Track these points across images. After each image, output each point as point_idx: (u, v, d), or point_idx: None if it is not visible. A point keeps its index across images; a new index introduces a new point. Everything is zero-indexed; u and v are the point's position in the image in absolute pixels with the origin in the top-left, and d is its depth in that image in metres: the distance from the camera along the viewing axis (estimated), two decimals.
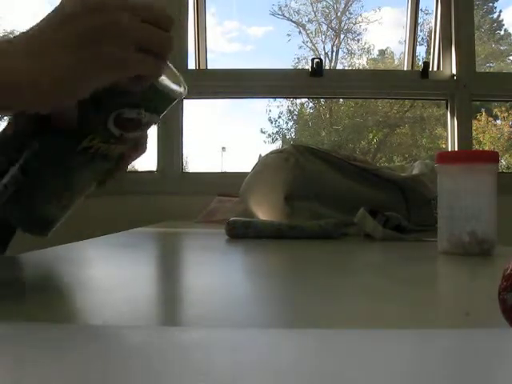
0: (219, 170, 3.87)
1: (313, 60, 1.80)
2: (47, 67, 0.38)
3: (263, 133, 4.91)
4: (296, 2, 4.06)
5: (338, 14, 4.54)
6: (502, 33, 4.50)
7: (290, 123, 5.04)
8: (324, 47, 4.44)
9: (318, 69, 1.77)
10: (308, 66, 1.83)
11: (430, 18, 2.02)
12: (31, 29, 0.39)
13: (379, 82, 1.82)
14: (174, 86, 0.47)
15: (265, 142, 4.91)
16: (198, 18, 1.89)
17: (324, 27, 4.53)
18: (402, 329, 0.26)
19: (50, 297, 0.36)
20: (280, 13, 4.14)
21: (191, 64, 1.84)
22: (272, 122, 4.82)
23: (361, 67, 4.84)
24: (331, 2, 4.33)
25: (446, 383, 0.17)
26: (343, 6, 4.51)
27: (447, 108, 1.82)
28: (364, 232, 0.85)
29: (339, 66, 4.75)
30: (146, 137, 0.52)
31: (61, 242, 0.62)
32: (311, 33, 4.43)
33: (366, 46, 4.75)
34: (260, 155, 1.19)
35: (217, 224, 1.12)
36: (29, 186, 0.45)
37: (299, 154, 1.03)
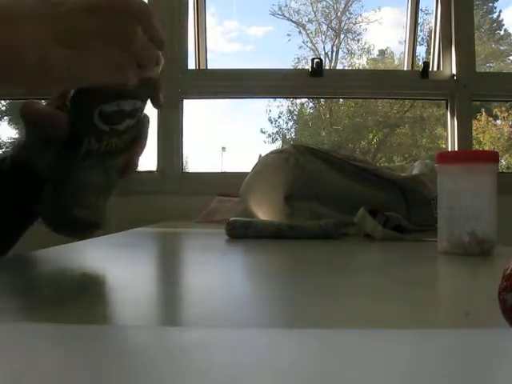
0: (219, 170, 3.88)
1: (313, 60, 1.80)
2: (44, 49, 0.39)
3: (263, 133, 4.91)
4: (296, 2, 4.07)
5: (338, 14, 4.55)
6: (502, 33, 4.51)
7: (290, 123, 5.04)
8: (324, 47, 4.44)
9: (317, 69, 1.77)
10: (308, 66, 1.83)
11: (430, 18, 2.02)
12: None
13: (379, 82, 1.82)
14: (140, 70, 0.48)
15: (265, 142, 4.91)
16: (197, 18, 1.89)
17: (324, 27, 4.54)
18: (401, 329, 0.26)
19: (49, 297, 0.36)
20: (280, 13, 4.14)
21: (191, 64, 1.84)
22: (272, 122, 4.82)
23: (361, 67, 4.85)
24: (331, 2, 4.33)
25: (445, 383, 0.17)
26: (343, 5, 4.52)
27: (447, 108, 1.82)
28: (364, 232, 0.85)
29: (339, 66, 4.76)
30: (145, 125, 0.53)
31: (61, 242, 0.62)
32: (311, 33, 4.43)
33: (366, 46, 4.76)
34: (260, 155, 1.19)
35: (217, 224, 1.12)
36: (56, 196, 0.50)
37: (299, 153, 1.03)
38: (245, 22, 5.56)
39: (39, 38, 0.38)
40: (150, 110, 0.53)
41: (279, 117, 4.85)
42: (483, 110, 3.96)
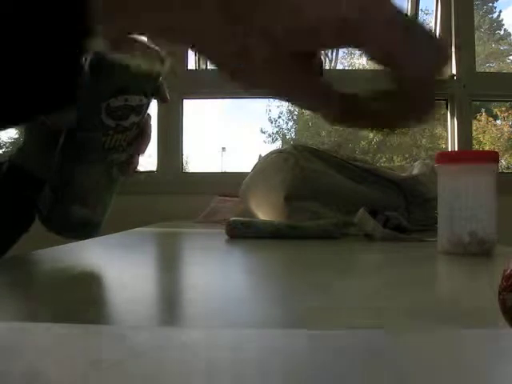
0: (219, 170, 3.87)
1: None
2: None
3: (263, 133, 4.91)
4: None
5: None
6: (502, 33, 4.51)
7: (290, 123, 5.04)
8: None
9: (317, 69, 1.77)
10: None
11: (430, 18, 2.02)
12: None
13: (379, 82, 1.81)
14: (152, 65, 0.48)
15: (265, 142, 4.91)
16: None
17: None
18: (401, 329, 0.26)
19: (49, 297, 0.36)
20: None
21: (191, 64, 1.84)
22: (272, 122, 4.83)
23: (361, 67, 4.84)
24: None
25: (445, 383, 0.17)
26: None
27: (447, 108, 1.82)
28: (364, 232, 0.85)
29: (339, 66, 4.75)
30: (148, 123, 0.53)
31: (61, 242, 0.62)
32: None
33: None
34: (260, 155, 1.19)
35: (217, 224, 1.12)
36: (57, 196, 0.51)
37: (299, 154, 1.03)
38: None
39: None
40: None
41: (279, 117, 4.85)
42: (483, 110, 3.96)
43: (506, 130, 4.07)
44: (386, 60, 0.26)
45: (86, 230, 0.54)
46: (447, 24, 1.79)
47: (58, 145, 0.51)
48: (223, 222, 0.90)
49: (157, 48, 0.48)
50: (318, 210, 0.97)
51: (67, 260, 0.59)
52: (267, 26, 0.24)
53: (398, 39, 0.25)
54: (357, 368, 0.18)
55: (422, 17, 2.56)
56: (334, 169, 1.03)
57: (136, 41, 0.47)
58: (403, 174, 1.08)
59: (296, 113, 5.01)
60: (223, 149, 4.78)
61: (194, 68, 1.86)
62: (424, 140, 4.60)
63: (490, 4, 4.52)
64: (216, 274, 0.50)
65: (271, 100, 3.88)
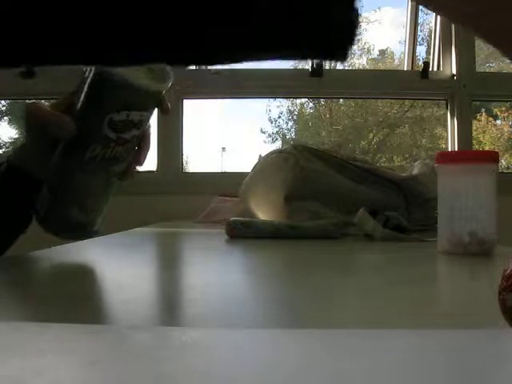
0: (219, 170, 3.87)
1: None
2: None
3: (263, 133, 4.92)
4: None
5: None
6: None
7: (290, 123, 5.04)
8: None
9: (317, 69, 1.77)
10: (308, 66, 1.83)
11: (430, 18, 2.02)
12: None
13: (379, 82, 1.82)
14: (156, 82, 0.49)
15: (265, 142, 4.91)
16: None
17: None
18: (402, 329, 0.26)
19: (48, 296, 0.36)
20: None
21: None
22: (272, 122, 4.83)
23: (361, 67, 4.84)
24: None
25: (445, 383, 0.17)
26: None
27: (447, 108, 1.82)
28: (364, 232, 0.85)
29: (339, 66, 4.75)
30: (148, 133, 0.54)
31: (61, 241, 0.62)
32: None
33: (366, 46, 4.75)
34: (260, 155, 1.19)
35: (217, 224, 1.12)
36: (55, 199, 0.52)
37: (299, 153, 1.03)
38: None
39: None
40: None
41: (279, 117, 4.85)
42: (483, 110, 3.96)
43: (506, 130, 4.06)
44: None
45: (83, 231, 0.55)
46: (447, 24, 1.79)
47: (58, 148, 0.52)
48: (223, 222, 0.90)
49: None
50: (318, 210, 0.97)
51: (67, 260, 0.59)
52: None
53: None
54: (357, 368, 0.18)
55: (422, 17, 2.56)
56: (334, 169, 1.03)
57: None
58: (403, 174, 1.08)
59: (296, 113, 5.01)
60: (223, 149, 4.78)
61: (193, 68, 1.86)
62: (424, 140, 4.60)
63: None
64: (216, 274, 0.50)
65: (271, 100, 3.88)
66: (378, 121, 4.48)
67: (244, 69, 1.87)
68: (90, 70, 0.48)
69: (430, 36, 2.02)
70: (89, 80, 0.48)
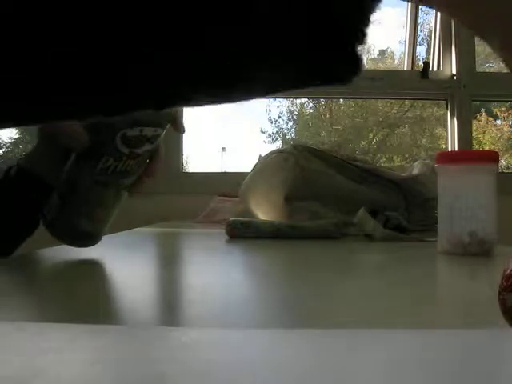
0: (219, 170, 3.87)
1: None
2: None
3: (263, 133, 4.91)
4: None
5: None
6: None
7: (290, 123, 5.04)
8: None
9: None
10: None
11: (430, 18, 2.02)
12: None
13: (379, 82, 1.82)
14: None
15: (265, 142, 4.91)
16: None
17: None
18: (402, 329, 0.26)
19: (49, 296, 0.36)
20: None
21: None
22: (272, 122, 4.82)
23: None
24: None
25: (446, 383, 0.17)
26: None
27: (447, 108, 1.82)
28: (364, 232, 0.85)
29: None
30: (160, 148, 0.54)
31: (58, 243, 0.62)
32: None
33: (366, 46, 4.75)
34: (260, 155, 1.19)
35: (217, 224, 1.12)
36: (65, 207, 0.52)
37: (299, 153, 1.03)
38: None
39: None
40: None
41: (279, 117, 4.84)
42: (483, 110, 3.96)
43: (506, 130, 4.06)
44: None
45: (87, 240, 0.56)
46: (447, 24, 1.79)
47: (71, 157, 0.52)
48: (223, 222, 0.90)
49: None
50: (318, 210, 0.97)
51: (67, 260, 0.59)
52: None
53: None
54: (357, 368, 0.18)
55: (422, 17, 2.56)
56: (334, 169, 1.03)
57: None
58: (403, 174, 1.08)
59: (296, 113, 5.01)
60: (223, 149, 4.77)
61: None
62: (424, 140, 4.60)
63: None
64: (216, 274, 0.50)
65: (271, 100, 3.88)
66: (378, 121, 4.48)
67: None
68: None
69: (429, 36, 2.02)
70: None
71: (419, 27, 1.94)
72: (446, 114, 1.85)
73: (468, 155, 0.67)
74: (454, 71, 1.77)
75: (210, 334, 0.23)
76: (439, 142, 3.95)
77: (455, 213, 0.61)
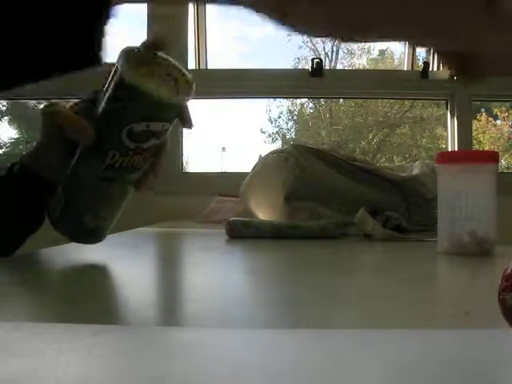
0: (219, 170, 3.87)
1: (313, 60, 1.80)
2: None
3: (263, 133, 4.91)
4: None
5: None
6: None
7: (290, 123, 5.04)
8: (324, 47, 4.43)
9: (317, 69, 1.77)
10: (308, 66, 1.83)
11: None
12: None
13: (379, 82, 1.82)
14: (178, 94, 0.48)
15: (265, 142, 4.91)
16: (198, 18, 1.89)
17: None
18: (402, 329, 0.26)
19: (49, 297, 0.36)
20: None
21: (191, 64, 1.84)
22: (272, 122, 4.82)
23: (361, 67, 4.84)
24: None
25: (446, 383, 0.17)
26: None
27: (447, 108, 1.82)
28: (364, 232, 0.85)
29: (339, 66, 4.75)
30: (165, 142, 0.54)
31: (61, 241, 0.62)
32: None
33: (366, 46, 4.75)
34: (260, 155, 1.19)
35: (217, 224, 1.12)
36: (70, 203, 0.52)
37: (299, 153, 1.03)
38: (245, 22, 5.55)
39: None
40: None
41: (279, 117, 4.85)
42: (483, 110, 3.96)
43: (505, 130, 4.06)
44: None
45: (92, 237, 0.55)
46: None
47: (76, 153, 0.52)
48: (223, 222, 0.90)
49: (184, 71, 0.49)
50: (317, 209, 0.97)
51: (67, 260, 0.59)
52: None
53: None
54: (357, 368, 0.18)
55: None
56: (334, 169, 1.03)
57: (166, 62, 0.47)
58: (403, 174, 1.08)
59: (296, 113, 5.01)
60: (223, 149, 4.77)
61: (194, 68, 1.86)
62: (424, 140, 4.60)
63: None
64: (216, 274, 0.50)
65: (271, 100, 3.88)
66: (377, 121, 4.48)
67: (244, 69, 1.87)
68: (111, 80, 0.47)
69: None
70: (109, 91, 0.48)
71: None
72: (445, 114, 1.85)
73: (468, 155, 0.67)
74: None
75: (210, 334, 0.23)
76: (439, 142, 3.96)
77: (455, 213, 0.61)
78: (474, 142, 2.24)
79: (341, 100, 4.16)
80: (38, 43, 0.25)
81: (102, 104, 0.49)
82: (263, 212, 1.04)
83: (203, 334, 0.23)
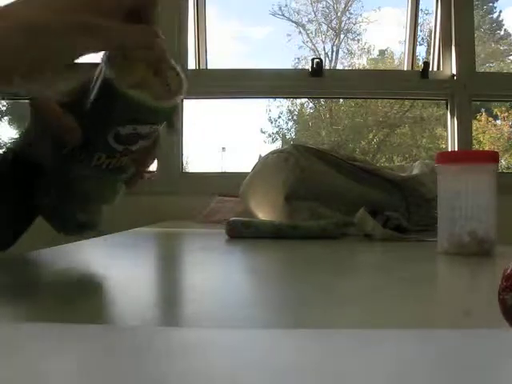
0: (219, 170, 3.87)
1: (313, 60, 1.80)
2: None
3: (263, 133, 4.91)
4: (296, 2, 4.06)
5: (338, 14, 4.54)
6: (502, 33, 4.50)
7: (290, 123, 5.03)
8: (324, 47, 4.43)
9: (318, 69, 1.77)
10: (308, 66, 1.83)
11: (430, 18, 2.02)
12: None
13: (379, 82, 1.82)
14: (163, 97, 0.47)
15: (265, 142, 4.90)
16: (197, 18, 1.89)
17: (324, 27, 4.52)
18: (402, 329, 0.26)
19: (49, 297, 0.36)
20: (280, 13, 4.13)
21: (191, 64, 1.84)
22: (272, 122, 4.82)
23: (361, 67, 4.84)
24: (331, 2, 4.32)
25: (445, 383, 0.17)
26: (343, 5, 4.50)
27: (447, 108, 1.82)
28: (364, 232, 0.85)
29: (339, 66, 4.74)
30: (157, 140, 0.53)
31: (61, 241, 0.62)
32: (311, 33, 4.42)
33: (366, 46, 4.74)
34: (260, 155, 1.19)
35: (217, 224, 1.12)
36: (59, 199, 0.52)
37: (299, 153, 1.03)
38: (245, 22, 5.55)
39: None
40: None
41: (279, 117, 4.84)
42: (483, 110, 3.96)
43: (505, 130, 4.06)
44: None
45: (84, 231, 0.56)
46: (447, 24, 1.79)
47: (63, 150, 0.51)
48: (223, 222, 0.90)
49: (178, 70, 0.48)
50: (318, 209, 0.97)
51: (67, 260, 0.59)
52: None
53: None
54: (357, 368, 0.18)
55: (422, 17, 2.56)
56: (334, 169, 1.03)
57: (161, 61, 0.46)
58: (403, 174, 1.08)
59: (296, 113, 5.01)
60: (223, 149, 4.77)
61: (193, 68, 1.86)
62: (424, 140, 4.60)
63: (490, 4, 4.52)
64: (216, 274, 0.50)
65: (271, 100, 3.88)
66: (377, 121, 4.48)
67: (244, 69, 1.87)
68: (96, 81, 0.46)
69: (429, 36, 2.02)
70: (95, 91, 0.47)
71: (419, 27, 1.95)
72: (445, 114, 1.85)
73: (468, 155, 0.67)
74: (454, 71, 1.77)
75: (209, 334, 0.23)
76: (439, 142, 3.95)
77: (455, 213, 0.61)
78: (474, 142, 2.24)
79: (341, 100, 4.15)
80: None
81: (88, 104, 0.48)
82: (263, 212, 1.04)
83: (203, 334, 0.23)
